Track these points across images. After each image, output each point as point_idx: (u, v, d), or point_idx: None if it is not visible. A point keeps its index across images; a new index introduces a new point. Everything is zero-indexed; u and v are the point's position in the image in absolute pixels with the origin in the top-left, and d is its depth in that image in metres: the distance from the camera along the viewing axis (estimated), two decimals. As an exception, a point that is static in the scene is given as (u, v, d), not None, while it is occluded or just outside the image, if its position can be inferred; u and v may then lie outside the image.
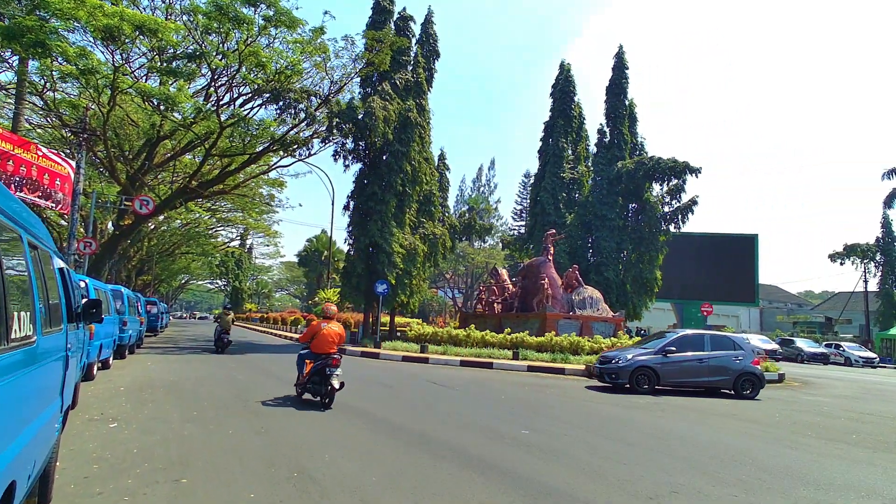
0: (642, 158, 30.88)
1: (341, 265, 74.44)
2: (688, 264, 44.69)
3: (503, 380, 14.61)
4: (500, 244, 41.69)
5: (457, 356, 19.70)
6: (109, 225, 35.48)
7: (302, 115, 24.97)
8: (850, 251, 47.44)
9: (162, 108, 24.38)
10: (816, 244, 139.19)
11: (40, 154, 15.23)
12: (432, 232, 27.61)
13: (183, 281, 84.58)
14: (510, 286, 27.57)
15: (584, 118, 35.82)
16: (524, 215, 68.56)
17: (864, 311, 49.13)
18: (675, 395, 12.97)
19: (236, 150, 28.22)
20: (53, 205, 15.91)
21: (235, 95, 26.75)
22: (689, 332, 14.55)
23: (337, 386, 8.69)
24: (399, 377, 14.02)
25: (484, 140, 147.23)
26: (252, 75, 23.27)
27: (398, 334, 26.82)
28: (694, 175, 28.99)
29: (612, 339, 21.97)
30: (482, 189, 79.67)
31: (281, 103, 23.76)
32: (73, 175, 16.93)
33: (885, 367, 37.20)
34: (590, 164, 35.59)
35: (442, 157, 31.76)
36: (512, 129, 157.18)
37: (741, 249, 45.85)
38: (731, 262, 45.06)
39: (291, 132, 27.17)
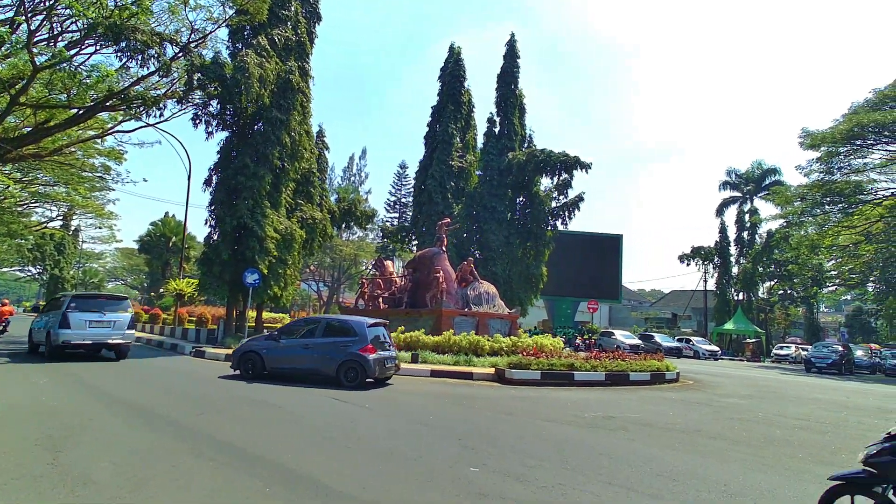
0: (533, 150, 30.23)
1: (192, 253, 66.25)
2: (559, 261, 45.79)
3: (411, 389, 12.23)
4: (380, 235, 39.01)
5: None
6: None
7: (153, 64, 20.15)
8: (696, 253, 52.25)
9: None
10: (669, 246, 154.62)
11: None
12: (311, 216, 24.16)
13: (-19, 268, 69.59)
14: (397, 280, 25.15)
15: (473, 105, 34.48)
16: (398, 206, 66.47)
17: (703, 307, 54.55)
18: (282, 382, 12.12)
19: (56, 103, 22.38)
20: None
21: (58, 32, 21.06)
22: (315, 317, 14.74)
23: None
24: (286, 391, 10.96)
25: (356, 128, 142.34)
26: (80, 3, 18.11)
27: (265, 331, 23.00)
28: (584, 170, 28.92)
29: (513, 337, 20.59)
30: (353, 179, 76.07)
31: (123, 44, 18.78)
32: None
33: (723, 359, 41.12)
34: (478, 153, 34.36)
35: (321, 133, 28.31)
36: (385, 119, 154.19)
37: (608, 249, 48.11)
38: (598, 261, 47.03)
39: (137, 86, 22.04)
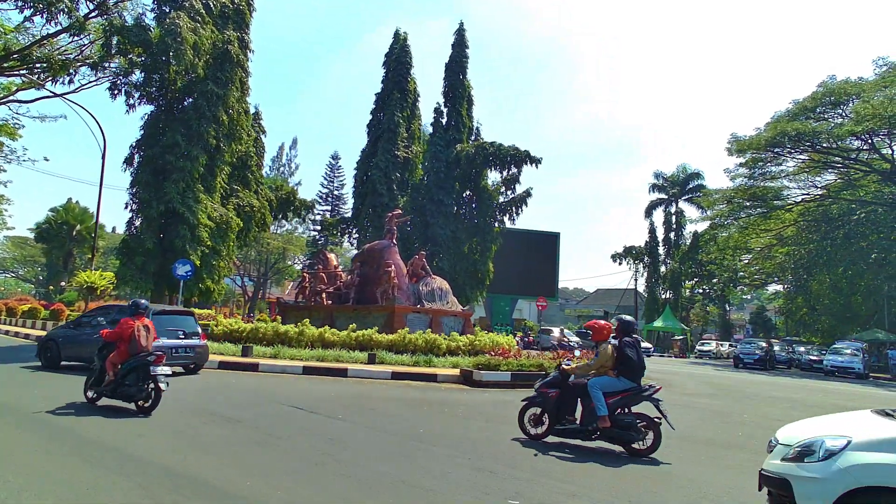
0: (483, 143, 29.47)
1: (102, 243, 60.27)
2: (496, 258, 45.56)
3: (379, 395, 10.96)
4: (310, 227, 36.88)
5: (295, 360, 15.22)
6: None
7: (62, 21, 17.42)
8: (627, 253, 53.88)
9: None
10: (602, 244, 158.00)
11: None
12: (249, 203, 22.07)
13: None
14: (343, 274, 23.51)
15: (418, 94, 33.23)
16: (330, 199, 63.92)
17: (633, 305, 56.40)
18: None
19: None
20: None
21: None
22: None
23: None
24: (237, 399, 9.35)
25: (281, 114, 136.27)
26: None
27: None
28: (535, 165, 28.49)
29: (469, 335, 19.64)
30: (282, 169, 72.56)
31: (27, -5, 16.03)
32: None
33: (654, 355, 42.46)
34: (424, 144, 33.19)
35: (258, 115, 26.08)
36: (313, 108, 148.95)
37: (545, 246, 48.45)
38: (536, 259, 47.23)
39: (42, 46, 19.09)
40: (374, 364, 15.35)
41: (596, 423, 6.60)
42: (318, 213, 54.91)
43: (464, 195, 31.00)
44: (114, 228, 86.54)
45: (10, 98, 23.73)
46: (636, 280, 54.72)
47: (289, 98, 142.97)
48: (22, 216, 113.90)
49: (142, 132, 20.03)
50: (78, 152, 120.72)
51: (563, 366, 7.15)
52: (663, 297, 53.89)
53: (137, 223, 19.26)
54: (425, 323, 20.39)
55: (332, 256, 24.83)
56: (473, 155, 29.11)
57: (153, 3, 20.18)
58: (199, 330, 12.44)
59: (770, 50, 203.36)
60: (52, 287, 60.16)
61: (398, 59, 32.11)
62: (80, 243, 61.79)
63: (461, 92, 31.54)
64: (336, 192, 63.46)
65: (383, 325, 19.49)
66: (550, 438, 7.16)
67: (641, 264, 54.24)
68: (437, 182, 29.82)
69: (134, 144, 20.10)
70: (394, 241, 22.23)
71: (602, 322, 7.35)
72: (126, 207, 20.00)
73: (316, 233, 67.58)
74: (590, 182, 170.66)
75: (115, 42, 17.79)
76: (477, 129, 32.28)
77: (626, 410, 6.75)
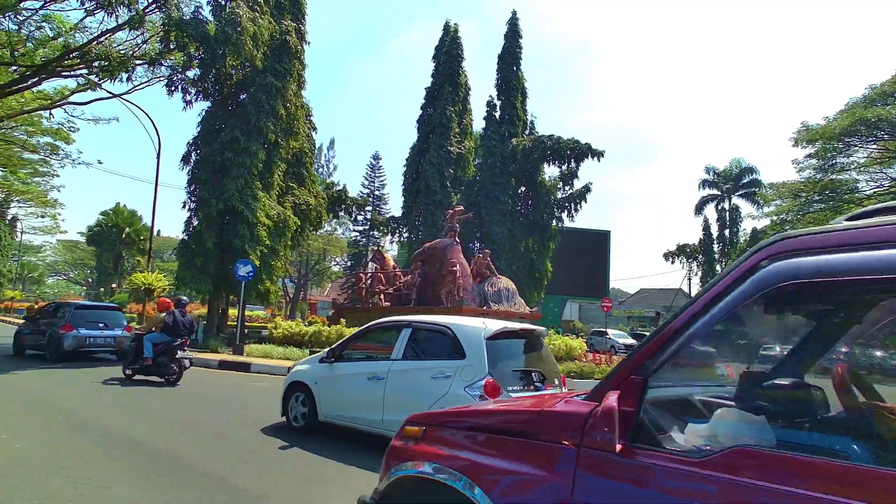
0: (540, 136, 28.13)
1: (146, 245, 61.42)
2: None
3: None
4: (350, 228, 36.15)
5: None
6: None
7: (123, 14, 16.88)
8: (681, 251, 51.56)
9: None
10: (654, 244, 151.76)
11: None
12: (305, 201, 21.28)
13: None
14: (401, 274, 22.54)
15: (470, 88, 32.09)
16: (372, 199, 63.39)
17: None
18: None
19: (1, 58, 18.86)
20: None
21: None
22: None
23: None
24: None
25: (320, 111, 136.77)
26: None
27: (247, 333, 19.93)
28: (597, 158, 27.00)
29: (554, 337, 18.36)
30: (321, 170, 72.45)
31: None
32: None
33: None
34: (475, 139, 32.05)
35: (308, 112, 25.33)
36: (349, 107, 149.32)
37: (595, 245, 46.70)
38: (585, 258, 45.54)
39: (99, 44, 18.65)
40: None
41: (143, 362, 10.22)
42: (360, 213, 54.34)
43: (519, 191, 29.70)
44: (158, 231, 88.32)
45: (65, 101, 23.59)
46: (690, 279, 52.37)
47: (323, 96, 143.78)
48: (72, 221, 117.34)
49: (198, 129, 19.43)
50: (128, 153, 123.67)
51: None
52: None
53: (195, 222, 18.65)
54: (493, 325, 19.23)
55: (388, 256, 23.89)
56: (530, 149, 27.80)
57: (209, -3, 19.57)
58: (125, 323, 14.62)
59: (825, 39, 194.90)
60: (102, 289, 61.25)
61: (448, 51, 31.04)
62: (129, 246, 62.90)
63: (515, 84, 30.27)
64: (377, 193, 63.00)
65: (450, 327, 18.42)
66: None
67: (695, 262, 51.83)
68: (491, 178, 28.62)
69: (191, 142, 19.53)
70: (456, 239, 21.14)
71: (169, 300, 11.22)
72: (184, 207, 19.44)
73: (357, 233, 67.50)
74: (626, 178, 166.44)
75: (173, 36, 17.14)
76: (532, 122, 30.98)
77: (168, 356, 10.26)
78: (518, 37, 30.76)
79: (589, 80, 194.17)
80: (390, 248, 40.39)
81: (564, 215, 29.38)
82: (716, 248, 52.87)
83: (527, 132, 30.44)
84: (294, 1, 20.41)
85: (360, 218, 41.32)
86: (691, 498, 1.55)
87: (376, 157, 64.34)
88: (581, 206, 28.85)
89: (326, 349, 7.31)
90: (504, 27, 31.16)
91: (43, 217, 57.60)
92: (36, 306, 26.19)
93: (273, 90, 18.36)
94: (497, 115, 30.34)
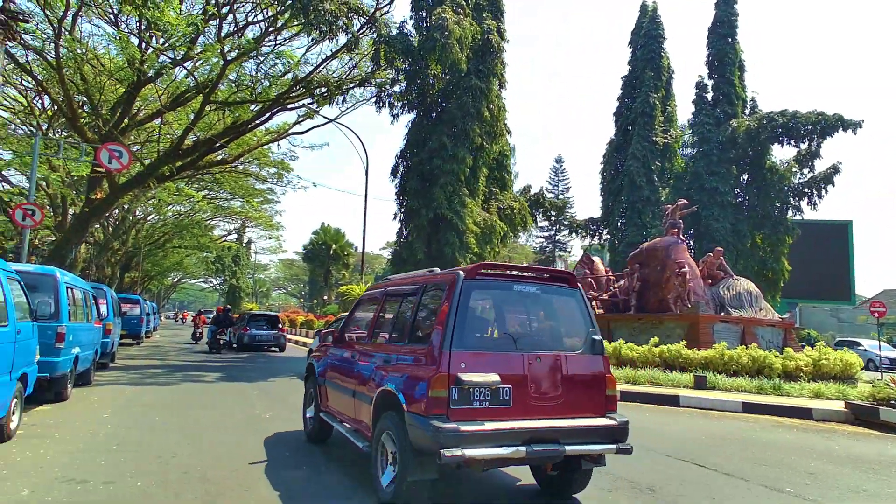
0: (769, 114, 23.93)
1: (352, 259, 66.87)
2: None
3: (759, 438, 7.73)
4: (567, 229, 34.70)
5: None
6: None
7: (341, 37, 17.91)
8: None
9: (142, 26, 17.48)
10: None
11: None
12: (509, 205, 20.57)
13: (175, 279, 77.23)
14: (614, 278, 20.58)
15: (673, 71, 28.84)
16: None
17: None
18: None
19: (244, 97, 21.19)
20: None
21: (243, 22, 19.60)
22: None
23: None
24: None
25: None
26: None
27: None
28: (851, 130, 22.01)
29: (809, 352, 14.99)
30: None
31: (311, 16, 16.54)
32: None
33: None
34: (677, 127, 28.67)
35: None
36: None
37: (833, 239, 38.96)
38: (820, 254, 38.17)
39: (320, 70, 20.11)
40: (703, 389, 12.03)
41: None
42: (560, 216, 52.98)
43: (741, 180, 25.68)
44: (356, 248, 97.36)
45: (289, 132, 26.18)
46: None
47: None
48: (292, 239, 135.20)
49: (405, 140, 19.90)
50: (336, 174, 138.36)
51: None
52: None
53: (405, 232, 19.00)
54: (735, 335, 16.30)
55: (597, 261, 22.06)
56: (755, 130, 23.80)
57: (411, 9, 20.02)
58: (280, 325, 19.94)
59: None
60: (315, 301, 68.45)
61: (647, 33, 28.25)
62: (335, 261, 69.78)
63: (731, 58, 26.33)
64: (561, 197, 61.15)
65: (682, 337, 16.00)
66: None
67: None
68: (707, 167, 25.13)
69: (398, 154, 20.07)
70: (681, 236, 18.58)
71: None
72: (394, 218, 20.01)
73: (543, 240, 66.18)
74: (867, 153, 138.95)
75: (382, 53, 17.69)
76: (753, 99, 26.67)
77: None
78: (732, 3, 26.80)
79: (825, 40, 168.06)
80: (598, 252, 38.28)
81: (804, 204, 24.57)
82: None
83: (747, 112, 26.28)
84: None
85: (556, 221, 39.75)
86: None
87: (559, 161, 62.69)
88: (826, 192, 23.84)
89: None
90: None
91: (269, 239, 66.49)
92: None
93: (477, 92, 17.95)
94: (709, 96, 26.72)
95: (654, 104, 26.87)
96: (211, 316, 24.54)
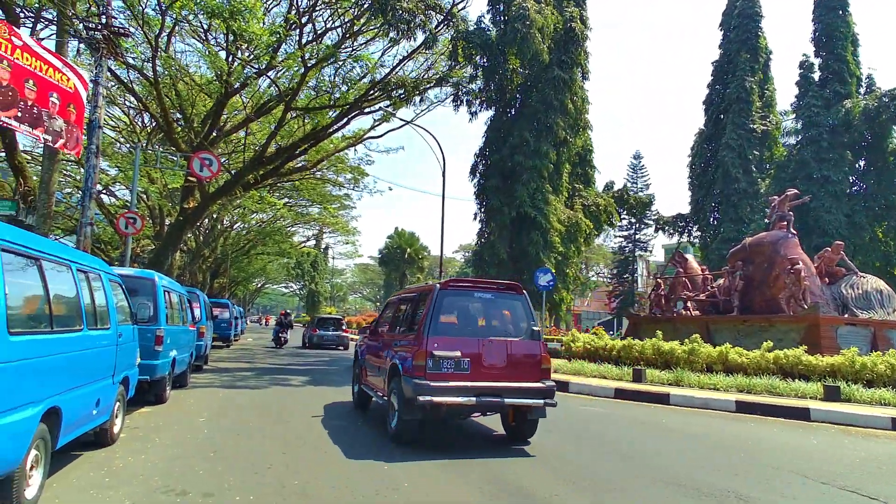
0: (892, 91, 21.37)
1: (426, 263, 67.18)
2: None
3: None
4: (652, 226, 32.91)
5: (706, 390, 11.61)
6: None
7: (418, 35, 17.65)
8: None
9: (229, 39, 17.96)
10: None
11: (15, 43, 8.33)
12: (594, 202, 19.49)
13: (259, 284, 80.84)
14: (711, 277, 18.99)
15: (771, 52, 26.49)
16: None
17: None
18: None
19: (323, 103, 21.42)
20: (48, 137, 9.11)
21: (321, 29, 19.76)
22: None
23: None
24: (709, 459, 6.08)
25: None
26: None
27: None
28: None
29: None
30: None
31: (389, 15, 16.36)
32: (83, 92, 10.14)
33: None
34: (776, 113, 26.28)
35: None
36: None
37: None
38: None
39: (396, 71, 19.96)
40: (837, 401, 10.57)
41: None
42: (646, 213, 50.78)
43: (857, 166, 23.10)
44: (429, 251, 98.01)
45: (367, 136, 26.30)
46: None
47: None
48: (366, 245, 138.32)
49: (484, 138, 19.33)
50: (406, 177, 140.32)
51: None
52: None
53: (489, 233, 18.39)
54: (864, 339, 14.41)
55: (691, 258, 20.48)
56: (875, 110, 21.31)
57: (488, 3, 19.42)
58: (344, 326, 21.40)
59: None
60: (390, 304, 69.30)
61: (742, 12, 26.12)
62: (410, 264, 70.37)
63: (842, 32, 23.81)
64: (641, 194, 58.41)
65: (799, 342, 14.35)
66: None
67: None
68: (815, 154, 22.81)
69: (477, 152, 19.54)
70: (791, 230, 16.78)
71: None
72: (474, 218, 19.46)
73: (622, 239, 63.50)
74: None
75: (460, 49, 17.23)
76: (869, 76, 23.98)
77: None
78: (842, -30, 24.28)
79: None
80: (688, 249, 36.14)
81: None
82: None
83: (862, 91, 23.64)
84: (573, -14, 19.03)
85: (640, 219, 37.78)
86: None
87: (637, 157, 59.76)
88: (964, 177, 20.90)
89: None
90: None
91: (346, 244, 68.05)
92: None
93: (560, 84, 17.08)
94: (815, 76, 24.29)
95: (751, 88, 24.72)
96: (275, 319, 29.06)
